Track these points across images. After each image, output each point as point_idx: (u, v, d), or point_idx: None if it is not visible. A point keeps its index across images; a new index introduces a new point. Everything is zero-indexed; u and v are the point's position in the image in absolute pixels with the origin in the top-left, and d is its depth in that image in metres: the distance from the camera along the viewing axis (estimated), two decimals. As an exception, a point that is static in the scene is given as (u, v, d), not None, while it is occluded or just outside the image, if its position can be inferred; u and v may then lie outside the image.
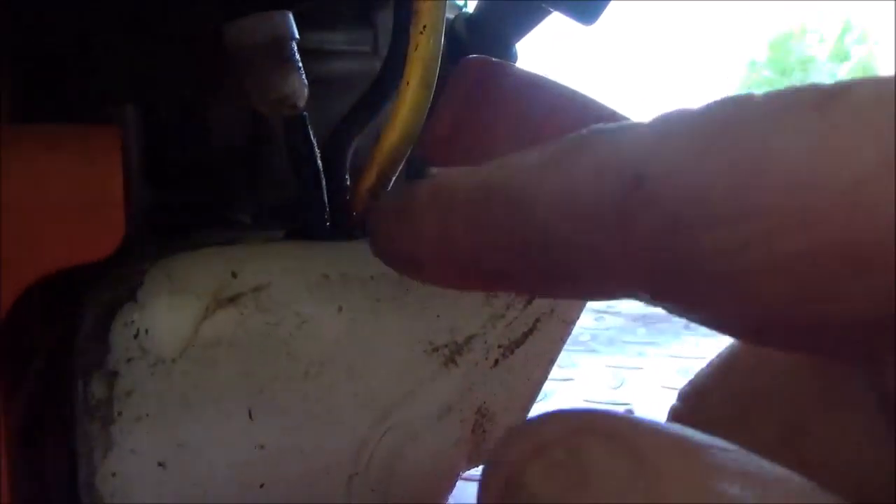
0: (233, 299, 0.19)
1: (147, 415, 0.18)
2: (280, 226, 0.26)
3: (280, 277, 0.20)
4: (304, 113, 0.23)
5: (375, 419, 0.20)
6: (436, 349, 0.21)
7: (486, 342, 0.22)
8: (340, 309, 0.20)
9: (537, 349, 0.23)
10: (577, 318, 0.24)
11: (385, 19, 0.34)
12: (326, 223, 0.23)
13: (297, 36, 0.22)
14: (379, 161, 0.23)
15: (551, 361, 0.24)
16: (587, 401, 0.71)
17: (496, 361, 0.22)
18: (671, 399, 0.13)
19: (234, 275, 0.19)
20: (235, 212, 0.34)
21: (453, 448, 0.22)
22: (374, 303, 0.20)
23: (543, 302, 0.22)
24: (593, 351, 0.91)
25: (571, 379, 0.78)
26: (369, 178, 0.23)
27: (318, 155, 0.24)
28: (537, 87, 0.22)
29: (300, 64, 0.22)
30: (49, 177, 0.16)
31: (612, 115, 0.21)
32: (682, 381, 0.14)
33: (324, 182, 0.23)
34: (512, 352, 0.22)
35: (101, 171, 0.17)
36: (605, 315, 1.08)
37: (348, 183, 0.25)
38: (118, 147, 0.17)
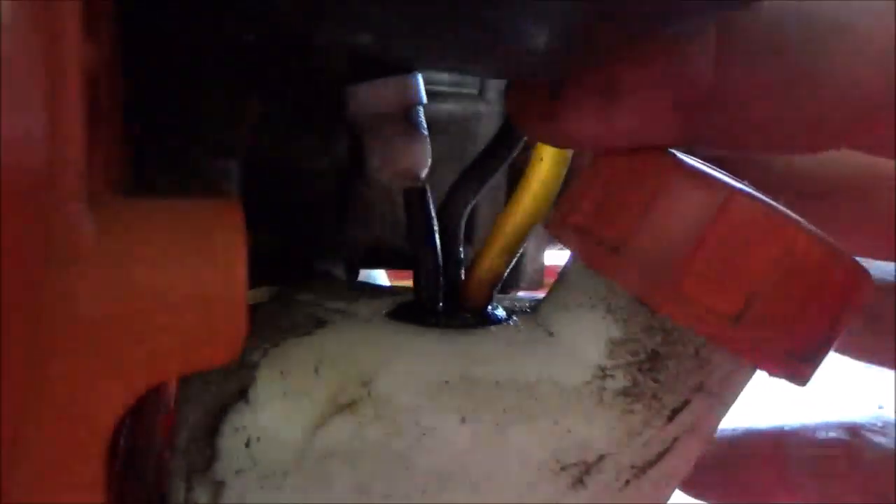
0: (350, 405, 0.17)
1: (253, 533, 0.16)
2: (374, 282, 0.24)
3: (398, 380, 0.18)
4: (426, 185, 0.21)
5: (495, 545, 0.18)
6: (564, 468, 0.19)
7: (618, 462, 0.19)
8: (463, 420, 0.18)
9: (670, 470, 0.20)
10: (713, 436, 0.21)
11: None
12: (439, 305, 0.22)
13: (425, 100, 0.21)
14: (501, 242, 0.21)
15: (678, 482, 0.21)
16: None
17: (626, 482, 0.20)
18: None
19: (360, 382, 0.17)
20: (326, 260, 0.33)
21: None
22: (501, 414, 0.18)
23: (684, 419, 0.19)
24: None
25: None
26: (488, 260, 0.21)
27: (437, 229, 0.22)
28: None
29: (426, 132, 0.21)
30: (169, 269, 0.15)
31: None
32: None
33: (440, 260, 0.22)
34: (644, 472, 0.20)
35: (225, 261, 0.15)
36: None
37: (462, 255, 0.24)
38: (242, 231, 0.16)
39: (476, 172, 0.25)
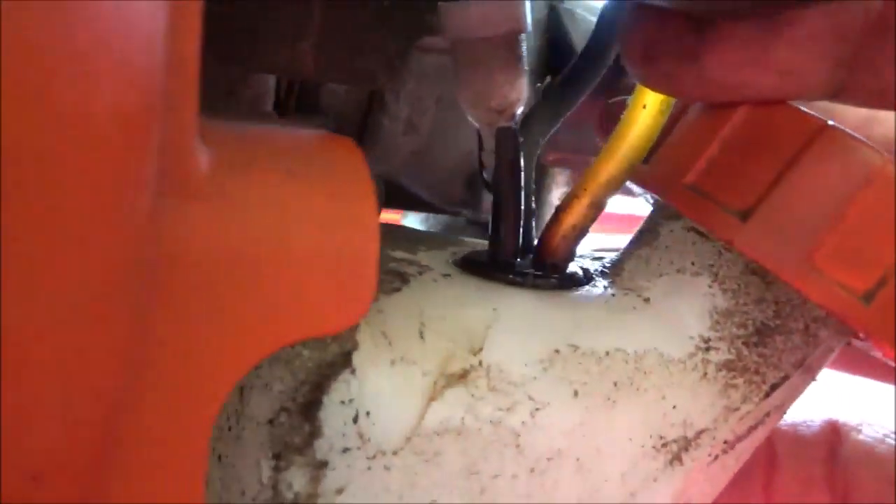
0: (462, 375, 0.15)
1: (357, 519, 0.14)
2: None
3: (509, 348, 0.16)
4: (517, 125, 0.19)
5: (594, 525, 0.17)
6: (665, 444, 0.17)
7: (714, 437, 0.18)
8: (576, 394, 0.16)
9: (752, 444, 0.20)
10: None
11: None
12: (516, 259, 0.20)
13: (530, 29, 0.18)
14: (592, 190, 0.19)
15: (750, 453, 0.21)
16: None
17: (716, 457, 0.19)
18: None
19: (470, 349, 0.15)
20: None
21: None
22: (611, 387, 0.17)
23: (780, 394, 0.19)
24: None
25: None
26: (577, 212, 0.20)
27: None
28: None
29: (527, 65, 0.18)
30: (294, 215, 0.12)
31: None
32: None
33: (523, 210, 0.20)
34: (733, 448, 0.19)
35: (357, 209, 0.13)
36: None
37: (534, 205, 0.21)
38: (367, 171, 0.13)
39: (550, 105, 0.23)
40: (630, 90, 0.19)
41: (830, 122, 0.17)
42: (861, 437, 0.22)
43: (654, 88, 0.18)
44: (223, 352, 0.12)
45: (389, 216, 0.45)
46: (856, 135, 0.17)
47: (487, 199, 0.34)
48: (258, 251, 0.12)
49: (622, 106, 0.20)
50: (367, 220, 0.13)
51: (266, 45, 0.18)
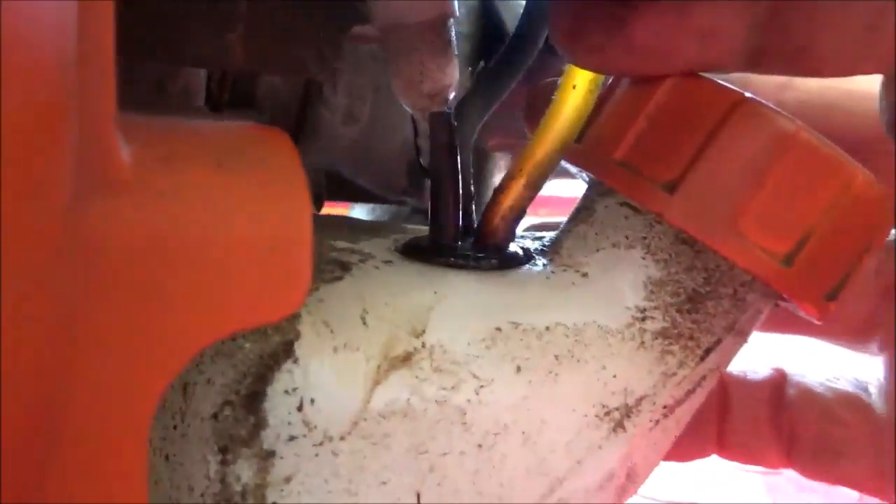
0: (405, 358, 0.15)
1: (307, 506, 0.14)
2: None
3: (451, 328, 0.16)
4: (451, 109, 0.19)
5: (543, 493, 0.18)
6: (608, 413, 0.18)
7: (654, 403, 0.19)
8: (519, 369, 0.17)
9: (691, 408, 0.20)
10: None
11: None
12: (457, 242, 0.20)
13: (458, 14, 0.18)
14: (527, 170, 0.20)
15: (689, 417, 0.22)
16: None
17: (657, 422, 0.20)
18: None
19: (412, 331, 0.15)
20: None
21: (603, 517, 0.20)
22: (553, 361, 0.17)
23: (714, 358, 0.19)
24: None
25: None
26: (514, 193, 0.20)
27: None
28: None
29: (456, 50, 0.19)
30: (222, 204, 0.12)
31: None
32: None
33: (461, 195, 0.20)
34: (672, 412, 0.20)
35: (289, 195, 0.13)
36: None
37: (473, 189, 0.22)
38: (298, 161, 0.13)
39: (484, 90, 0.23)
40: (556, 75, 0.20)
41: (748, 95, 0.17)
42: (805, 380, 0.23)
43: (585, 64, 0.18)
44: (157, 344, 0.11)
45: (337, 209, 0.45)
46: (771, 105, 0.17)
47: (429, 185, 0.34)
48: (186, 242, 0.11)
49: (546, 90, 0.20)
50: (299, 208, 0.13)
51: (192, 37, 0.17)
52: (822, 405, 0.22)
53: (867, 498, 0.56)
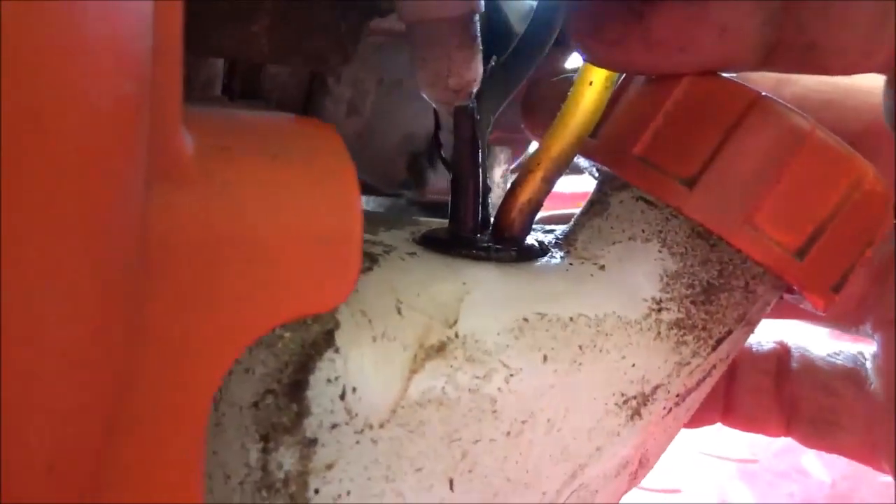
0: (440, 348, 0.16)
1: (348, 492, 0.15)
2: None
3: (482, 319, 0.17)
4: (474, 104, 0.19)
5: (565, 480, 0.18)
6: (626, 401, 0.19)
7: (668, 392, 0.20)
8: (545, 358, 0.17)
9: (699, 396, 0.21)
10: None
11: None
12: (476, 234, 0.20)
13: (483, 9, 0.19)
14: (545, 165, 0.20)
15: (698, 405, 0.22)
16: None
17: (669, 410, 0.20)
18: None
19: (445, 322, 0.16)
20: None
21: (618, 501, 0.20)
22: (577, 350, 0.18)
23: (725, 348, 0.20)
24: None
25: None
26: (531, 186, 0.20)
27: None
28: None
29: (481, 45, 0.19)
30: (280, 199, 0.12)
31: None
32: None
33: (482, 188, 0.20)
34: (683, 400, 0.20)
35: (341, 191, 0.13)
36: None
37: (489, 182, 0.22)
38: (348, 155, 0.13)
39: (498, 84, 0.23)
40: (554, 73, 0.20)
41: (763, 94, 0.18)
42: (807, 354, 0.24)
43: (603, 61, 0.18)
44: (218, 334, 0.12)
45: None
46: (786, 103, 0.18)
47: (431, 179, 0.34)
48: (247, 233, 0.12)
49: (542, 87, 0.20)
50: (350, 201, 0.13)
51: (219, 29, 0.17)
52: (822, 378, 0.23)
53: (840, 485, 0.58)
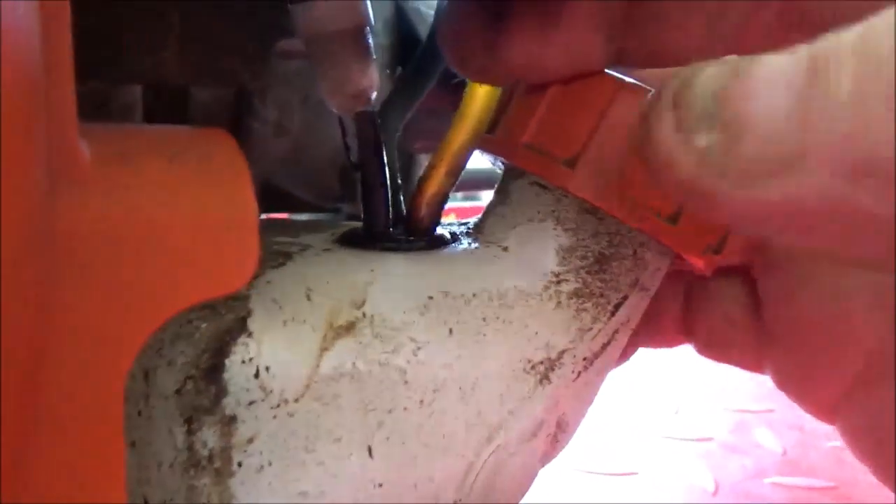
0: (349, 327, 0.17)
1: (270, 463, 0.16)
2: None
3: (388, 300, 0.18)
4: (374, 108, 0.21)
5: (481, 443, 0.20)
6: (533, 366, 0.20)
7: (574, 356, 0.21)
8: (451, 331, 0.19)
9: (608, 359, 0.23)
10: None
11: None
12: (389, 229, 0.22)
13: (373, 23, 0.20)
14: (447, 159, 0.22)
15: (611, 369, 0.24)
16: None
17: (578, 374, 0.22)
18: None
19: (353, 304, 0.17)
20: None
21: (538, 462, 0.22)
22: (481, 322, 0.19)
23: (623, 312, 0.22)
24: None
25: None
26: (436, 181, 0.22)
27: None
28: None
29: (374, 54, 0.21)
30: (174, 194, 0.14)
31: None
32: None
33: (389, 185, 0.22)
34: (591, 364, 0.22)
35: (233, 183, 0.14)
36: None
37: (399, 182, 0.24)
38: (242, 154, 0.15)
39: (402, 93, 0.25)
40: None
41: (627, 80, 0.20)
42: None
43: (477, 81, 0.20)
44: (125, 318, 0.13)
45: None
46: (646, 86, 0.20)
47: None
48: (144, 225, 0.13)
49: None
50: (244, 193, 0.14)
51: (129, 55, 0.19)
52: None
53: (791, 452, 0.60)
